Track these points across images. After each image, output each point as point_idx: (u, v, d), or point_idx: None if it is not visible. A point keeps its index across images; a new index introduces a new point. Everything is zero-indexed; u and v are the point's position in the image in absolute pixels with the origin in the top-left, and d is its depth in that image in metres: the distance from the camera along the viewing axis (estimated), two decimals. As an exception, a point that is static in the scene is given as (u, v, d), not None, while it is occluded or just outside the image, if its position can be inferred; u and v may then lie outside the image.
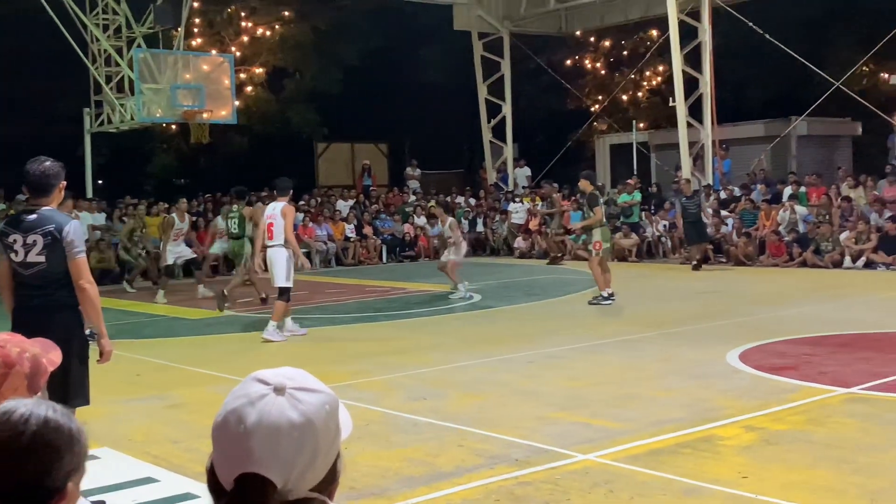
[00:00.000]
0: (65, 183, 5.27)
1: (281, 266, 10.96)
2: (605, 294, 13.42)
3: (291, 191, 11.65)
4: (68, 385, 4.93)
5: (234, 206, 15.51)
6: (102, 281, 19.00)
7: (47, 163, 5.18)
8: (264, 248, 11.23)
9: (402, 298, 15.70)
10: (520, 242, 23.44)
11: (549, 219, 22.93)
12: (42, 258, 5.07)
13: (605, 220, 13.93)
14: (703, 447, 5.99)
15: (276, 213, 10.99)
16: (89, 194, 20.84)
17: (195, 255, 17.73)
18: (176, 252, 16.65)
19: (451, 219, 16.34)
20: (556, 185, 24.13)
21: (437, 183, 28.68)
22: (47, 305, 5.10)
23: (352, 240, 23.08)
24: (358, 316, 13.57)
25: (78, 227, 5.20)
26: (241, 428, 1.43)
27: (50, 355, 2.35)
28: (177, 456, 6.19)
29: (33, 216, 5.11)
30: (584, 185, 13.94)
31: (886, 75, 25.65)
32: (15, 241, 5.11)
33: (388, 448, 6.19)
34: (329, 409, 1.47)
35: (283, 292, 11.01)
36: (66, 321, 5.09)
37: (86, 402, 5.20)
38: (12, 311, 5.25)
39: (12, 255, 5.13)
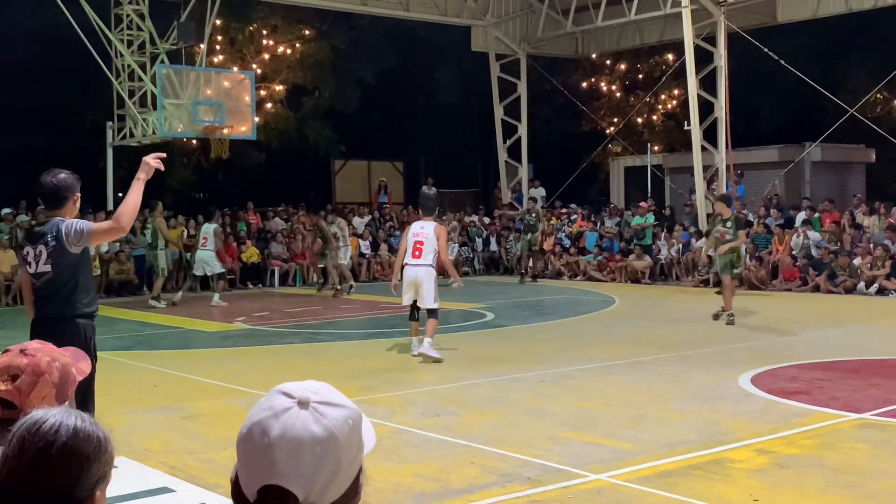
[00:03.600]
0: (79, 195, 5.25)
1: (431, 286, 10.57)
2: (730, 312, 13.49)
3: (437, 209, 11.29)
4: (77, 399, 4.92)
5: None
6: (121, 293, 19.14)
7: (61, 175, 5.16)
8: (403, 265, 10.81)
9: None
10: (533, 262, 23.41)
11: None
12: (48, 267, 5.08)
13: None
14: (715, 469, 5.97)
15: (429, 232, 10.55)
16: (110, 207, 20.96)
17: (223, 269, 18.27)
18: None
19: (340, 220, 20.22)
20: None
21: (452, 201, 28.72)
22: (55, 316, 5.10)
23: (367, 256, 23.12)
24: (371, 332, 13.58)
25: (78, 221, 5.12)
26: (264, 440, 1.44)
27: (79, 364, 2.37)
28: (193, 466, 6.20)
29: (42, 228, 5.14)
30: (720, 208, 13.99)
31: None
32: (28, 252, 5.17)
33: (401, 464, 6.19)
34: (352, 423, 1.48)
35: (433, 312, 10.54)
36: (73, 333, 4.95)
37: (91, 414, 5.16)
38: (31, 323, 5.28)
39: (28, 267, 5.20)
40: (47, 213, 5.20)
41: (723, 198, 14.59)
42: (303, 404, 1.46)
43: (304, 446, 1.43)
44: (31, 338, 4.92)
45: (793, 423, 7.22)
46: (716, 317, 13.64)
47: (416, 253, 10.58)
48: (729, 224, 13.58)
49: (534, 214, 22.05)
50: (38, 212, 19.93)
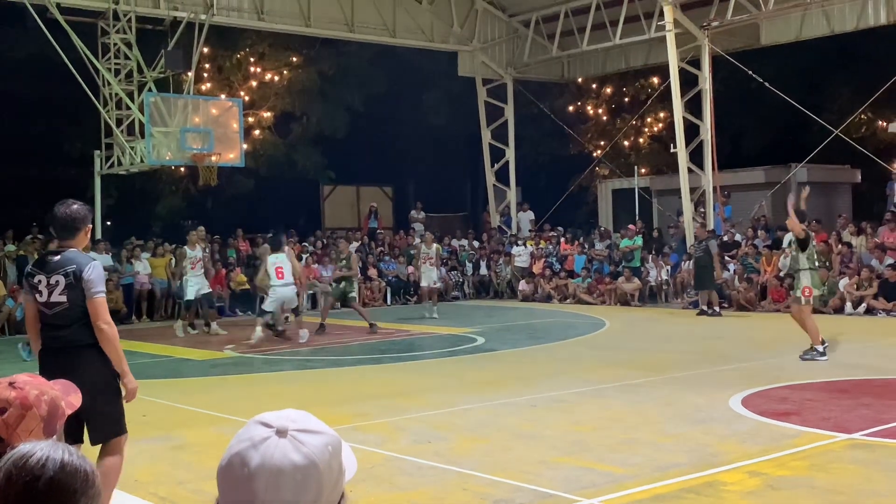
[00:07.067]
0: (90, 226, 5.37)
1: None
2: (821, 349, 11.66)
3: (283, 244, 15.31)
4: (105, 419, 5.12)
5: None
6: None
7: (74, 206, 5.28)
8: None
9: (406, 341, 15.68)
10: (523, 285, 23.45)
11: (347, 282, 17.34)
12: (64, 298, 5.14)
13: (816, 263, 12.24)
14: (707, 492, 5.96)
15: (283, 260, 14.73)
16: (98, 236, 20.90)
17: (211, 291, 17.69)
18: (196, 285, 16.81)
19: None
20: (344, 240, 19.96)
21: (441, 225, 28.79)
22: (70, 346, 5.16)
23: (357, 281, 23.06)
24: (362, 358, 13.54)
25: (98, 267, 5.24)
26: (244, 471, 1.44)
27: (69, 398, 2.35)
28: (183, 497, 6.16)
29: (57, 257, 5.21)
30: (791, 223, 12.16)
31: (884, 123, 25.81)
32: (40, 281, 5.20)
33: (392, 491, 6.15)
34: (332, 450, 1.48)
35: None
36: (91, 360, 5.12)
37: (123, 430, 5.27)
38: (39, 352, 5.30)
39: (37, 296, 5.22)
40: (60, 242, 5.31)
41: (796, 212, 12.39)
42: (281, 433, 1.46)
43: (285, 475, 1.43)
44: (41, 368, 4.97)
45: (784, 444, 7.22)
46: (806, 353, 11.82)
47: (280, 275, 14.59)
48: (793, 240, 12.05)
49: (343, 260, 17.64)
50: (26, 241, 19.90)
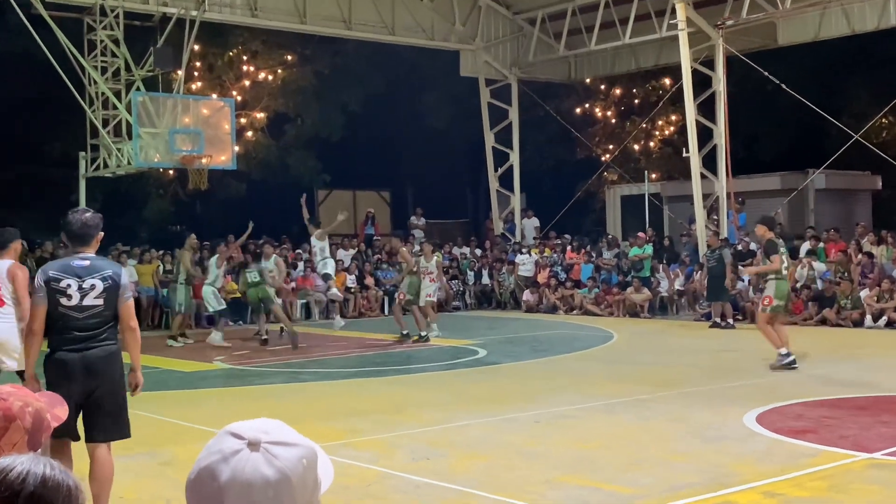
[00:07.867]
0: (102, 234, 5.69)
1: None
2: (784, 351, 12.08)
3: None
4: (122, 417, 5.64)
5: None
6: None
7: (87, 214, 5.68)
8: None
9: (404, 353, 15.67)
10: (527, 295, 23.43)
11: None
12: (100, 301, 5.47)
13: (784, 272, 12.44)
14: (719, 514, 5.95)
15: None
16: (82, 240, 20.90)
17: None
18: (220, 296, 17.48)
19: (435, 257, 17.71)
20: (399, 236, 19.98)
21: (442, 232, 28.78)
22: (100, 346, 5.50)
23: (353, 290, 23.10)
24: (358, 371, 13.54)
25: (126, 274, 5.82)
26: (214, 485, 1.44)
27: (55, 410, 2.35)
28: (168, 516, 6.15)
29: (85, 262, 5.49)
30: (760, 230, 12.69)
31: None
32: (69, 285, 5.42)
33: (389, 510, 6.15)
34: (306, 463, 1.47)
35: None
36: (117, 360, 5.65)
37: (127, 434, 5.85)
38: (49, 355, 5.51)
39: (63, 300, 5.42)
40: (74, 248, 5.63)
41: (763, 219, 13.00)
42: (253, 446, 1.45)
43: (256, 490, 1.42)
44: (62, 369, 5.35)
45: (801, 463, 7.21)
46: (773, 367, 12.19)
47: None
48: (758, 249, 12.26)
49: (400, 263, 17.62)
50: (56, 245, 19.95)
